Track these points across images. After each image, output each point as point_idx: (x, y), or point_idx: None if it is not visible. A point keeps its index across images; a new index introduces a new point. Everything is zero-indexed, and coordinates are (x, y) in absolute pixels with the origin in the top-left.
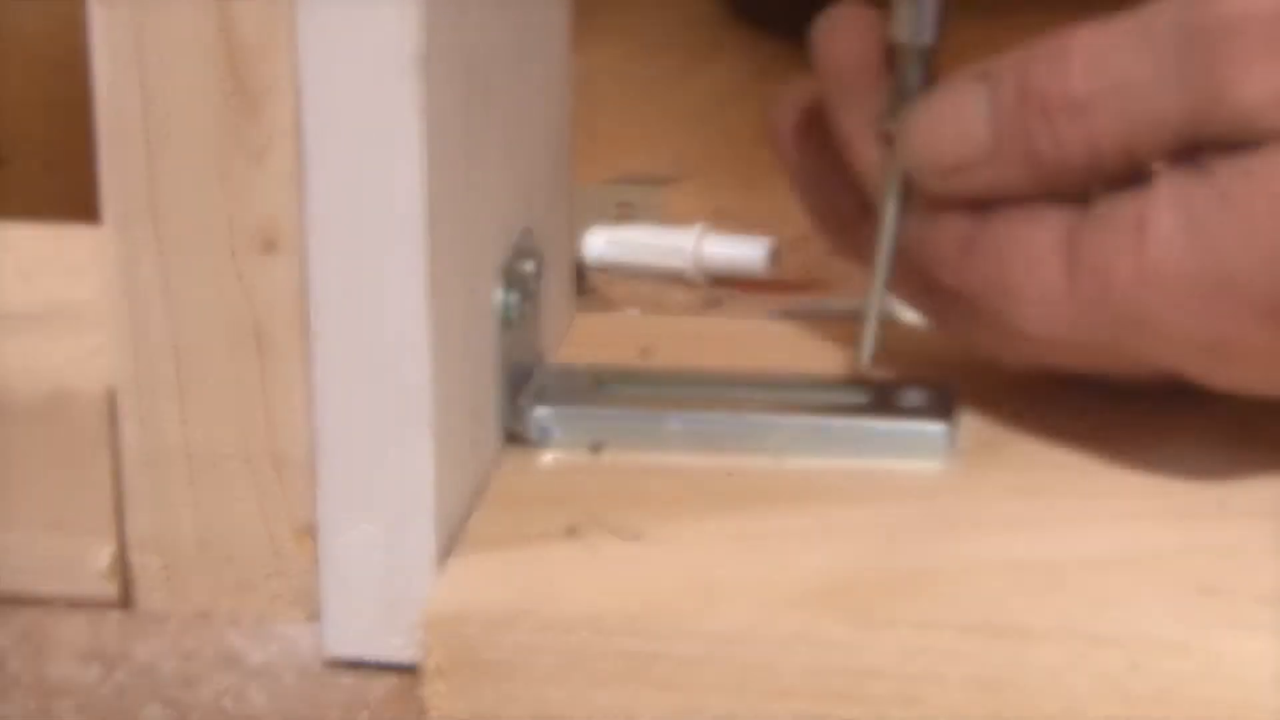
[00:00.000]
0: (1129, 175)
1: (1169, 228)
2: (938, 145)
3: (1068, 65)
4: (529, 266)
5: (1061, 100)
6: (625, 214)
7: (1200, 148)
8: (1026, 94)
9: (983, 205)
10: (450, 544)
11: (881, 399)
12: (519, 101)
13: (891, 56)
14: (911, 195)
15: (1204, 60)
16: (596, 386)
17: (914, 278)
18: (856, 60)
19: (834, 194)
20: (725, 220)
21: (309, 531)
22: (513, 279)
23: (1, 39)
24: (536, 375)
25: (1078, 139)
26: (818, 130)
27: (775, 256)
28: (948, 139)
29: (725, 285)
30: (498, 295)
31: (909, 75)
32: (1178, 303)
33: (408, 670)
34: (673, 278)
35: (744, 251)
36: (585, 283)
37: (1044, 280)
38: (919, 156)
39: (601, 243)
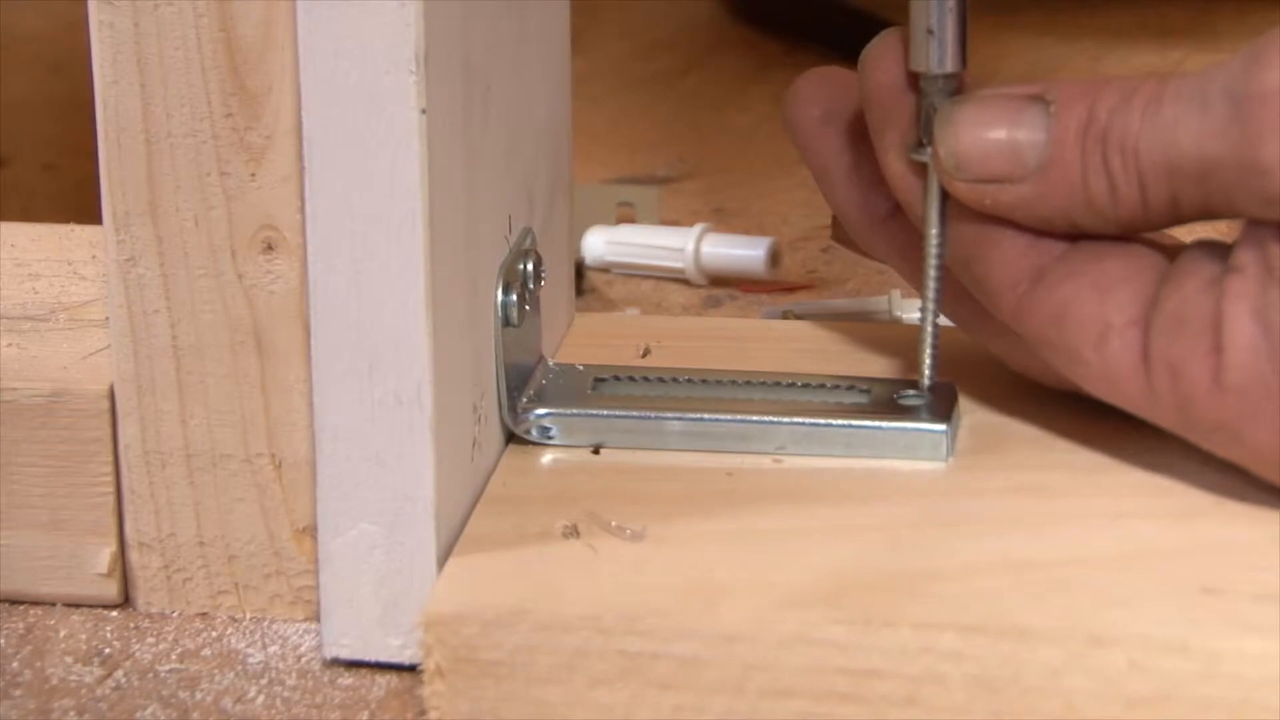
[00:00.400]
0: (1168, 223)
1: (1247, 336)
2: (984, 153)
3: (1131, 105)
4: (529, 266)
5: (1121, 137)
6: (625, 214)
7: (1261, 228)
8: (1091, 125)
9: (1037, 246)
10: (450, 544)
11: (881, 399)
12: (519, 101)
13: (917, 85)
14: (957, 221)
15: (1245, 130)
16: (596, 386)
17: (952, 290)
18: (898, 86)
19: (864, 191)
20: (725, 220)
21: (309, 531)
22: (513, 279)
23: (1, 39)
24: (536, 375)
25: (1130, 179)
26: (843, 126)
27: (775, 256)
28: (996, 150)
29: (725, 285)
30: (498, 295)
31: (932, 102)
32: (1258, 412)
33: (408, 670)
34: (673, 278)
35: (744, 251)
36: (585, 283)
37: (1114, 362)
38: (959, 159)
39: (601, 243)
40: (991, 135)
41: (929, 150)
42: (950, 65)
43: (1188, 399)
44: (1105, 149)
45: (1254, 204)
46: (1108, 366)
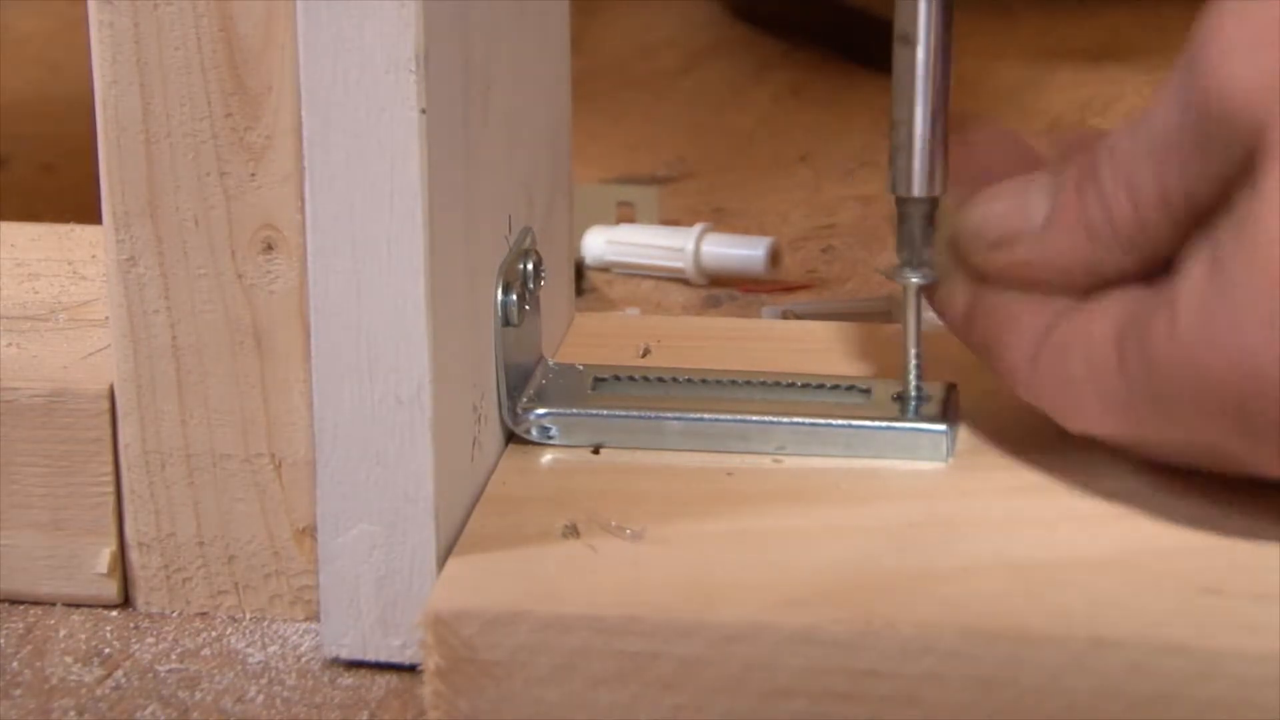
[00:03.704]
0: (1170, 237)
1: (1192, 309)
2: (992, 216)
3: (1115, 133)
4: (529, 266)
5: (1110, 162)
6: (625, 214)
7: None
8: (1086, 168)
9: (1037, 319)
10: (450, 544)
11: (881, 399)
12: (519, 101)
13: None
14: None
15: (1190, 72)
16: (596, 386)
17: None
18: None
19: None
20: (725, 220)
21: (309, 531)
22: (513, 279)
23: (1, 39)
24: (536, 375)
25: (1123, 199)
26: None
27: (775, 256)
28: (1003, 211)
29: (725, 285)
30: (498, 295)
31: (913, 225)
32: (1203, 382)
33: (408, 670)
34: (673, 278)
35: (744, 251)
36: (585, 283)
37: (1102, 377)
38: (971, 227)
39: (601, 243)
40: (1001, 203)
41: (906, 272)
42: (928, 190)
43: (1150, 375)
44: (1096, 175)
45: (1229, 172)
46: (1098, 388)
